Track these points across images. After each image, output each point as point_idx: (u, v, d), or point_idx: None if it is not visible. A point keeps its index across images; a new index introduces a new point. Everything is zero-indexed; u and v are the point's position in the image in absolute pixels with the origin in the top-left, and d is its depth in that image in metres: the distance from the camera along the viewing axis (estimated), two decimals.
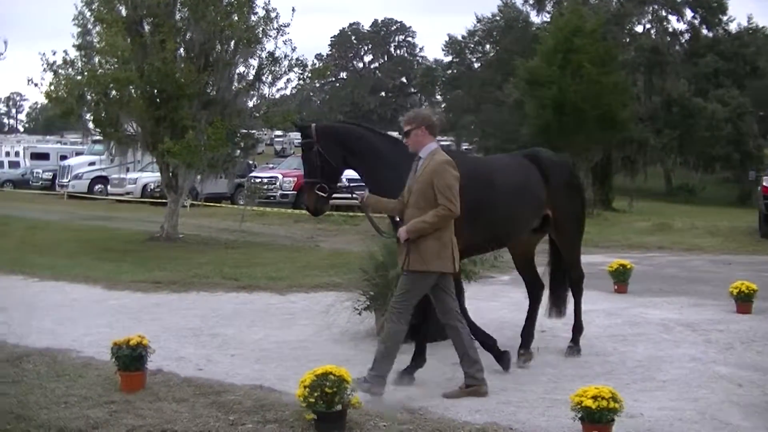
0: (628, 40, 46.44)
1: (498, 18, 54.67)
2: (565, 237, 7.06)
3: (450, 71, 62.01)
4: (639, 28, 48.90)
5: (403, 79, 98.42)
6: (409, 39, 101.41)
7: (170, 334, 7.63)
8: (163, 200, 17.38)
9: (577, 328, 7.26)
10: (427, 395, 5.93)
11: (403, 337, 5.77)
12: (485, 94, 51.07)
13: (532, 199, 6.69)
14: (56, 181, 36.49)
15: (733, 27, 48.33)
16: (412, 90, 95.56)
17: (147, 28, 16.88)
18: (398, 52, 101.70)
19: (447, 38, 61.32)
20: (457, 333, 5.78)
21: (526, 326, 7.04)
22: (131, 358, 5.85)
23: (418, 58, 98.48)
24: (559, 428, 5.15)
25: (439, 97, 73.92)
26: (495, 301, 9.81)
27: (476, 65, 59.25)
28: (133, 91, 16.67)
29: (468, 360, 5.78)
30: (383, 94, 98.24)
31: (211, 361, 6.95)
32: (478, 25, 57.95)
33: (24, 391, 5.91)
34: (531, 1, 49.55)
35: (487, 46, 58.67)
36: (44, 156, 45.09)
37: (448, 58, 62.38)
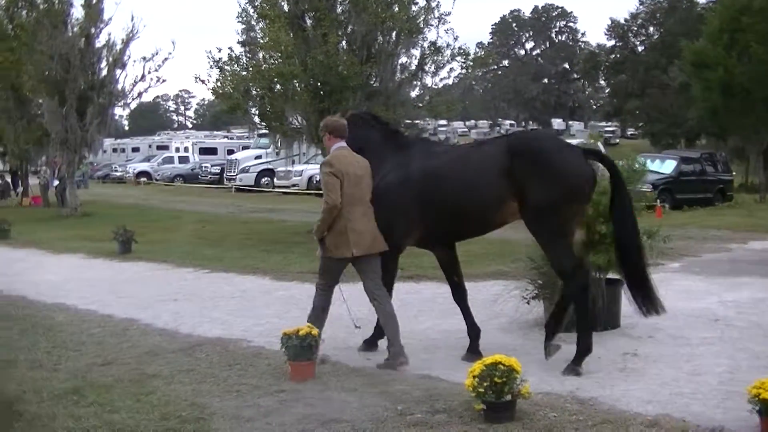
0: None
1: None
2: (537, 231, 6.29)
3: (613, 55, 61.13)
4: None
5: (566, 65, 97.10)
6: (571, 24, 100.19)
7: (338, 324, 7.85)
8: None
9: (582, 349, 6.23)
10: (597, 385, 5.82)
11: (326, 304, 6.66)
12: (650, 78, 50.46)
13: (486, 193, 6.29)
14: (224, 175, 38.34)
15: None
16: (575, 76, 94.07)
17: (309, 22, 17.30)
18: (560, 37, 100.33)
19: (609, 22, 60.42)
20: (383, 308, 6.64)
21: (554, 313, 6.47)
22: (301, 348, 5.98)
23: (580, 43, 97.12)
24: (735, 421, 4.92)
25: (602, 82, 72.30)
26: (663, 288, 9.40)
27: (640, 48, 58.28)
28: (297, 84, 17.09)
29: (390, 331, 6.56)
30: (545, 81, 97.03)
31: (378, 351, 7.01)
32: (641, 7, 56.44)
33: (197, 379, 6.20)
34: None
35: (651, 29, 57.73)
36: (212, 151, 47.86)
37: (611, 42, 62.08)
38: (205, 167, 42.30)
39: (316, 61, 16.44)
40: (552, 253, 6.32)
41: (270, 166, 34.77)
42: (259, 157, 35.85)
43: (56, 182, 29.11)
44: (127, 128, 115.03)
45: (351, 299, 7.28)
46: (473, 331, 6.92)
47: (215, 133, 72.97)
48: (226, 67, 17.77)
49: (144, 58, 24.57)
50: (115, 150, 58.50)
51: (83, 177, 38.22)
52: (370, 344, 7.17)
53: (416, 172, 6.63)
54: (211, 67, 17.82)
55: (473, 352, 6.66)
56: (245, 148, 41.20)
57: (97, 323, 8.59)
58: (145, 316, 8.95)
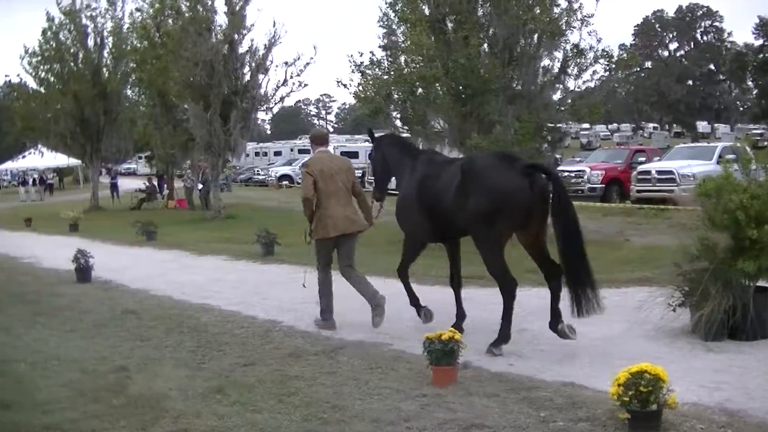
0: None
1: None
2: (474, 236, 7.39)
3: (761, 55, 59.43)
4: None
5: (711, 66, 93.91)
6: (716, 24, 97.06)
7: (478, 328, 7.77)
8: None
9: (502, 336, 7.18)
10: (748, 397, 5.61)
11: (326, 280, 8.60)
12: None
13: (451, 204, 7.52)
14: (364, 179, 39.45)
15: None
16: (721, 77, 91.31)
17: (450, 25, 17.34)
18: (705, 37, 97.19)
19: (757, 20, 57.77)
20: (354, 280, 8.58)
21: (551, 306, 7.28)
22: (443, 352, 6.01)
23: (726, 43, 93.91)
24: None
25: (750, 83, 69.25)
26: None
27: None
28: (438, 88, 17.21)
29: (367, 294, 8.45)
30: (690, 82, 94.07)
31: (521, 357, 6.96)
32: None
33: (339, 381, 6.31)
34: None
35: None
36: (353, 155, 48.60)
37: (759, 42, 59.93)
38: None
39: (457, 65, 16.45)
40: (484, 258, 7.35)
41: None
42: None
43: (200, 186, 30.60)
44: (269, 132, 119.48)
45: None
46: (460, 312, 8.20)
47: (356, 137, 74.45)
48: (367, 71, 18.07)
49: (286, 63, 25.43)
50: (257, 154, 60.80)
51: (226, 180, 39.91)
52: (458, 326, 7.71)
53: (416, 179, 8.19)
54: (352, 71, 18.19)
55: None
56: None
57: (241, 324, 8.88)
58: (288, 318, 9.18)
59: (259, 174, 50.15)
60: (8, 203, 45.03)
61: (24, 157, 51.90)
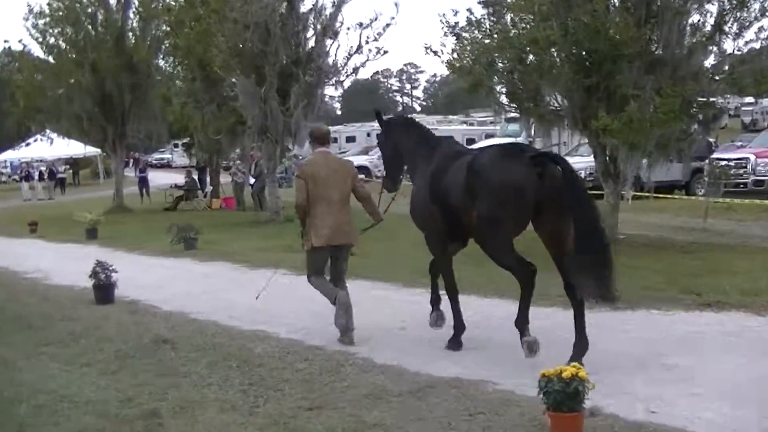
0: None
1: None
2: (478, 238, 8.82)
3: None
4: None
5: None
6: None
7: (611, 362, 7.78)
8: (598, 191, 17.72)
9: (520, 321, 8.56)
10: None
11: (318, 282, 10.23)
12: None
13: (459, 203, 8.84)
14: None
15: None
16: None
17: None
18: None
19: None
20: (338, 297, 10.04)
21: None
22: (564, 394, 6.01)
23: None
24: None
25: None
26: None
27: None
28: (555, 54, 17.18)
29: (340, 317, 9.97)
30: None
31: (665, 401, 6.94)
32: None
33: (431, 429, 6.42)
34: None
35: None
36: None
37: None
38: None
39: (579, 24, 16.37)
40: (492, 257, 8.74)
41: None
42: None
43: (253, 180, 31.23)
44: (339, 113, 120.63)
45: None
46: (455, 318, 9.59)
47: (450, 118, 74.44)
48: (464, 35, 18.15)
49: (360, 25, 25.67)
50: (332, 140, 61.69)
51: (286, 173, 40.62)
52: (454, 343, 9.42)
53: (429, 173, 9.44)
54: (445, 34, 18.31)
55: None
56: (489, 136, 41.72)
57: (304, 356, 9.08)
58: (364, 348, 9.35)
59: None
60: (9, 202, 46.75)
61: (28, 144, 53.33)
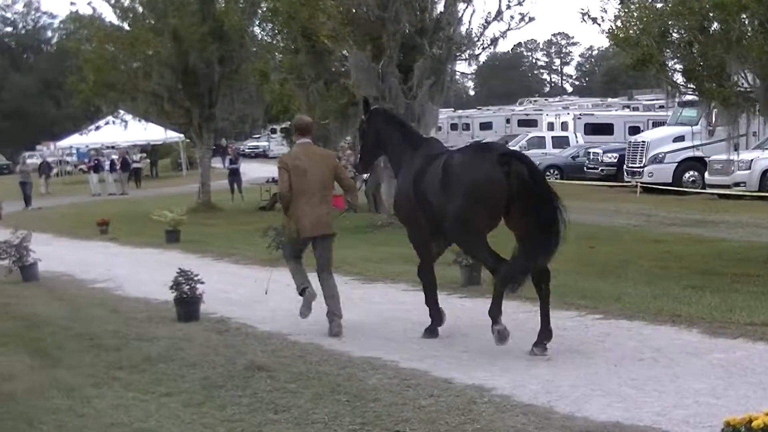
0: None
1: None
2: (451, 234, 11.57)
3: None
4: None
5: None
6: None
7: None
8: None
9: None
10: None
11: (295, 268, 12.77)
12: None
13: (436, 201, 11.39)
14: (624, 167, 38.96)
15: None
16: None
17: None
18: None
19: None
20: (326, 287, 12.65)
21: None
22: None
23: None
24: None
25: None
26: None
27: None
28: (746, 21, 17.03)
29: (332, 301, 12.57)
30: None
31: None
32: None
33: None
34: None
35: None
36: (605, 128, 48.40)
37: None
38: (595, 154, 43.16)
39: None
40: (467, 253, 12.81)
41: (698, 153, 34.52)
42: (680, 138, 35.89)
43: (366, 176, 31.43)
44: (472, 93, 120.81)
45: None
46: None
47: (609, 101, 73.64)
48: None
49: None
50: (454, 126, 61.87)
51: None
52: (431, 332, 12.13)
53: (412, 172, 11.98)
54: None
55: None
56: (658, 124, 41.22)
57: (429, 391, 9.11)
58: (502, 382, 9.34)
59: None
60: (74, 197, 48.09)
61: (98, 128, 53.59)
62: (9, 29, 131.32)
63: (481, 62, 34.18)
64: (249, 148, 74.50)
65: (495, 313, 10.91)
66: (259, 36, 36.73)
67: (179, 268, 13.94)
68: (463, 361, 10.22)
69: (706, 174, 34.11)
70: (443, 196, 11.17)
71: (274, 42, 34.62)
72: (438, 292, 12.44)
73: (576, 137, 48.36)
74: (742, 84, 18.10)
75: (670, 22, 17.78)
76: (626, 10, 18.21)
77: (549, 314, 10.98)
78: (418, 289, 15.26)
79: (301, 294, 12.68)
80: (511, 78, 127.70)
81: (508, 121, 58.66)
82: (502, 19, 25.88)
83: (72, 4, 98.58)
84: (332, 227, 12.78)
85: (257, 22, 36.25)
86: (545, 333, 10.87)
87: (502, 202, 10.74)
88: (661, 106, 43.80)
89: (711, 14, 17.22)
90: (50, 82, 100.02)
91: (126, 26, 36.29)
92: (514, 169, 10.64)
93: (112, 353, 11.39)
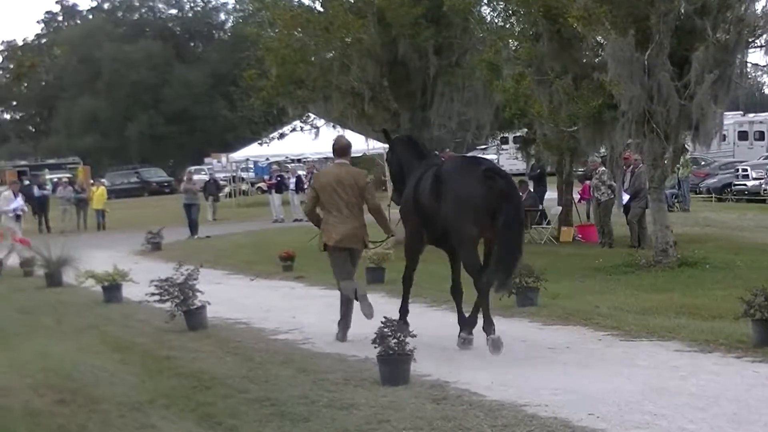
0: None
1: None
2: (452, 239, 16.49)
3: None
4: None
5: None
6: None
7: None
8: None
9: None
10: None
11: (349, 288, 17.28)
12: None
13: (429, 207, 16.49)
14: None
15: None
16: None
17: None
18: None
19: None
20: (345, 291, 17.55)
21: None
22: None
23: None
24: None
25: None
26: None
27: None
28: None
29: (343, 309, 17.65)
30: None
31: None
32: None
33: None
34: None
35: None
36: None
37: None
38: None
39: None
40: (460, 257, 16.47)
41: None
42: None
43: (626, 197, 31.26)
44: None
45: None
46: (462, 320, 16.81)
47: None
48: None
49: None
50: (743, 135, 60.93)
51: (680, 188, 40.37)
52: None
53: (413, 182, 17.05)
54: None
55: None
56: None
57: None
58: None
59: (747, 175, 50.31)
60: (251, 223, 49.22)
61: (281, 137, 52.86)
62: (174, 11, 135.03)
63: None
64: None
65: (473, 320, 16.49)
66: (488, 18, 36.82)
67: (384, 317, 14.07)
68: None
69: None
70: (434, 202, 16.30)
71: (508, 26, 34.69)
72: (722, 354, 13.44)
73: None
74: None
75: None
76: None
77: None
78: (694, 349, 15.21)
79: (345, 307, 17.49)
80: None
81: None
82: None
83: None
84: (362, 242, 17.71)
85: (486, 1, 36.25)
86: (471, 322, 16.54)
87: (487, 212, 15.73)
88: None
89: None
90: (223, 78, 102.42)
91: (319, 7, 36.68)
92: (497, 184, 15.70)
93: (300, 424, 11.59)
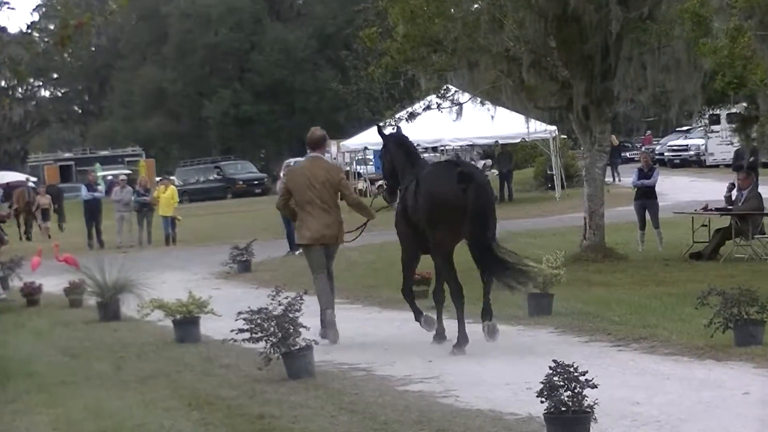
0: None
1: None
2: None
3: None
4: None
5: None
6: None
7: None
8: None
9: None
10: None
11: (323, 289, 23.25)
12: None
13: (412, 210, 22.13)
14: None
15: None
16: None
17: None
18: None
19: None
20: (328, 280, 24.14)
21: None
22: None
23: None
24: None
25: None
26: None
27: None
28: None
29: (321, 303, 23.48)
30: None
31: None
32: None
33: None
34: None
35: None
36: None
37: None
38: None
39: None
40: (434, 261, 22.68)
41: None
42: None
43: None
44: None
45: None
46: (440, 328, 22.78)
47: None
48: None
49: None
50: None
51: None
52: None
53: (404, 188, 22.90)
54: None
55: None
56: None
57: None
58: None
59: None
60: (370, 235, 49.26)
61: (411, 117, 52.43)
62: None
63: None
64: (670, 150, 74.61)
65: (461, 338, 20.95)
66: None
67: (553, 360, 13.89)
68: None
69: None
70: (415, 204, 21.08)
71: None
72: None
73: None
74: None
75: None
76: None
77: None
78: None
79: (322, 318, 22.37)
80: None
81: None
82: None
83: None
84: (338, 237, 22.59)
85: None
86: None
87: (458, 211, 20.49)
88: None
89: None
90: (331, 39, 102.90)
91: None
92: (471, 185, 20.28)
93: None
